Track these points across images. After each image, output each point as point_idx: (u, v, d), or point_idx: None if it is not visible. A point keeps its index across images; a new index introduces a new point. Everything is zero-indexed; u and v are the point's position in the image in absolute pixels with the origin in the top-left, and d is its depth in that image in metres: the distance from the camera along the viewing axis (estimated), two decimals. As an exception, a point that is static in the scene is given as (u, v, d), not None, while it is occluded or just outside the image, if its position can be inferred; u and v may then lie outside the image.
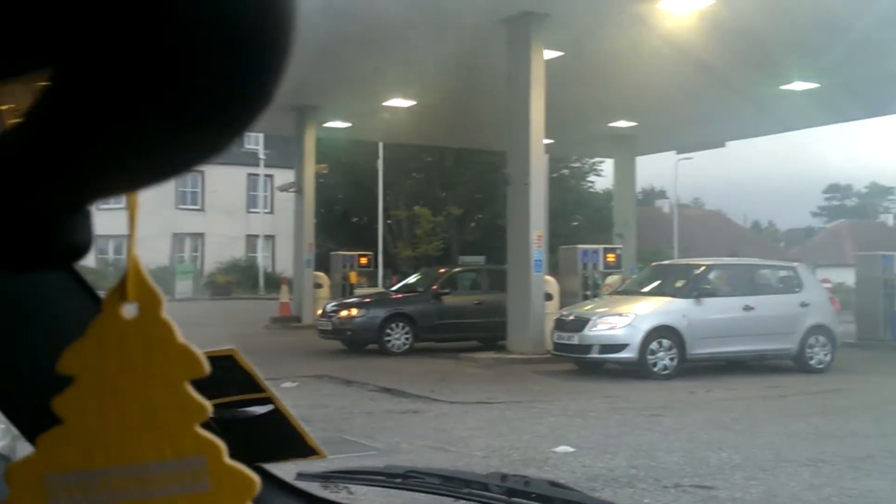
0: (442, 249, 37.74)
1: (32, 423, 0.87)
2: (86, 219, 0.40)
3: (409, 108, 21.41)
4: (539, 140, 15.18)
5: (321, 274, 23.09)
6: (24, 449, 0.86)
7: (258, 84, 0.32)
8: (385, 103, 21.04)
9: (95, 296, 0.88)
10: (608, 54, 16.37)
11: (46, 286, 0.86)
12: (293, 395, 10.40)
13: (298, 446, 1.15)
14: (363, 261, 23.99)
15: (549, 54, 15.40)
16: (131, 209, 0.44)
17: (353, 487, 1.52)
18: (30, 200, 0.34)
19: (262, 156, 41.04)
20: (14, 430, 1.00)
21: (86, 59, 0.29)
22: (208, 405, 0.44)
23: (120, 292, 0.43)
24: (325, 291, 22.41)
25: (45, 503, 0.44)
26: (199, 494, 0.44)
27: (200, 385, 0.46)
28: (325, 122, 23.38)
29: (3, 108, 0.35)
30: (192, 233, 43.11)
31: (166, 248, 40.80)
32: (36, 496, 0.44)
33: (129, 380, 0.44)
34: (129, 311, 0.44)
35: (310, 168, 22.90)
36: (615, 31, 15.21)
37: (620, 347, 13.30)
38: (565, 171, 42.77)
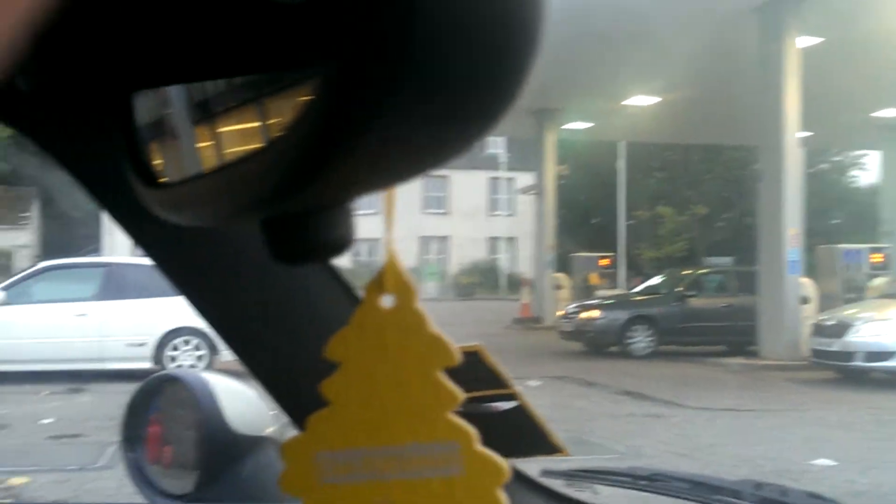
0: (686, 250, 36.55)
1: (298, 408, 0.95)
2: (346, 216, 0.43)
3: (652, 106, 20.94)
4: (793, 133, 14.31)
5: (562, 275, 23.13)
6: (292, 434, 0.93)
7: (508, 82, 0.33)
8: (626, 102, 20.70)
9: (351, 290, 0.94)
10: (876, 36, 15.08)
11: (308, 280, 0.92)
12: (535, 395, 10.50)
13: (542, 443, 1.16)
14: (604, 262, 23.75)
15: (805, 41, 14.47)
16: (388, 206, 0.47)
17: (598, 487, 1.51)
18: (295, 200, 0.38)
19: (503, 159, 41.78)
20: (282, 417, 1.09)
21: (349, 70, 0.32)
22: (460, 393, 0.46)
23: (379, 284, 0.46)
24: (565, 293, 22.41)
25: (315, 478, 0.48)
26: (452, 478, 0.46)
27: (450, 378, 0.47)
28: (565, 123, 23.39)
29: (270, 122, 0.39)
30: (438, 236, 44.67)
31: (414, 250, 42.58)
32: (307, 472, 0.48)
33: (387, 366, 0.47)
34: (386, 302, 0.47)
35: (550, 170, 23.00)
36: (886, 7, 13.98)
37: (889, 355, 12.22)
38: (824, 166, 39.96)
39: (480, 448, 0.46)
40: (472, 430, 0.46)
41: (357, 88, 0.31)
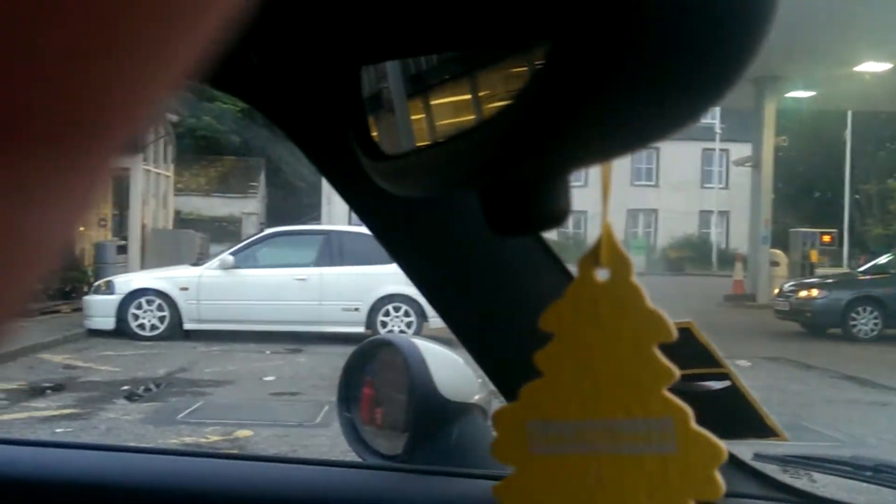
0: (921, 227, 33.69)
1: (505, 377, 0.96)
2: (564, 187, 0.43)
3: (885, 72, 19.33)
4: None
5: (778, 251, 21.97)
6: (498, 402, 0.94)
7: (740, 52, 0.32)
8: (856, 68, 19.22)
9: (561, 263, 0.94)
10: None
11: (519, 252, 0.93)
12: (748, 375, 10.02)
13: (757, 426, 1.12)
14: (826, 238, 22.32)
15: None
16: (604, 179, 0.46)
17: (815, 475, 1.43)
18: (515, 172, 0.38)
19: (717, 130, 40.06)
20: (490, 386, 1.11)
21: (576, 41, 0.31)
22: (675, 370, 0.45)
23: (593, 258, 0.46)
24: (781, 270, 21.28)
25: (525, 447, 0.49)
26: (666, 456, 0.45)
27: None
28: (786, 91, 22.04)
29: (481, 94, 0.39)
30: (646, 209, 43.61)
31: (621, 223, 41.79)
32: (518, 441, 0.49)
33: (601, 339, 0.46)
34: (601, 275, 0.46)
35: (768, 141, 21.79)
36: None
37: None
38: None
39: (697, 427, 0.45)
40: (687, 408, 0.45)
41: (583, 61, 0.31)
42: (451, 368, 1.23)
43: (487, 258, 0.92)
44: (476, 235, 0.89)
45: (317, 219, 25.61)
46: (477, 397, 1.23)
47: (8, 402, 8.02)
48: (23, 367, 9.83)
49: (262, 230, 16.07)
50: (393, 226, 0.95)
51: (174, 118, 22.89)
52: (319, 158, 0.93)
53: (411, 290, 12.06)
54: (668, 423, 0.45)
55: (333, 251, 12.75)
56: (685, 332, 1.03)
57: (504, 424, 0.50)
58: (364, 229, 1.00)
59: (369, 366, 1.33)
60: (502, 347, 0.94)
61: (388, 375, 1.29)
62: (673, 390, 0.49)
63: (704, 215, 43.23)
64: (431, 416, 1.18)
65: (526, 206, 0.40)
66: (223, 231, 26.30)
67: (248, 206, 31.86)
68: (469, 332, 0.98)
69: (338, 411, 1.34)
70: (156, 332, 12.37)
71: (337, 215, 20.45)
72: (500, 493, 0.50)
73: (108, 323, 12.34)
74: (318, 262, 12.78)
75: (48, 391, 8.53)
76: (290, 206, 30.96)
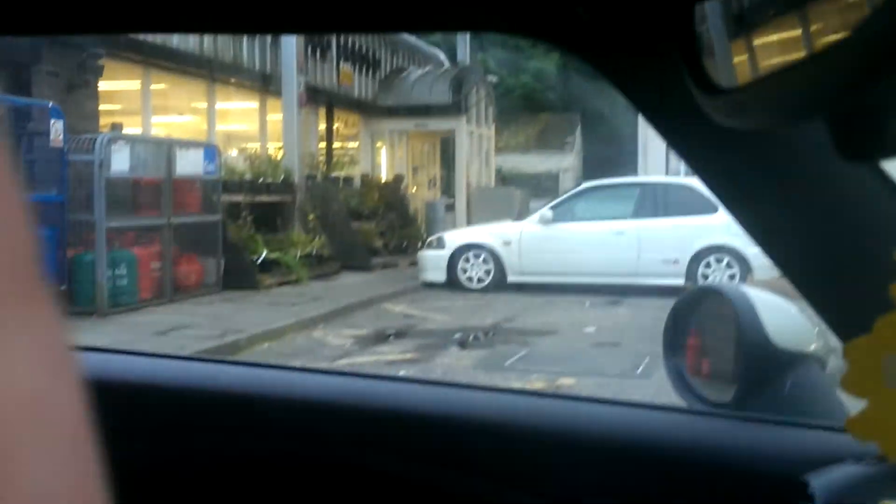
0: None
1: (846, 320, 0.91)
2: None
3: None
4: None
5: None
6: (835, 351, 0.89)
7: None
8: None
9: None
10: None
11: (859, 185, 0.87)
12: None
13: None
14: None
15: None
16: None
17: None
18: (869, 95, 0.36)
19: None
20: (828, 336, 1.05)
21: None
22: None
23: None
24: None
25: (879, 381, 0.47)
26: None
27: None
28: None
29: (812, 29, 0.38)
30: None
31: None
32: (871, 374, 0.47)
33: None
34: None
35: None
36: None
37: None
38: None
39: None
40: None
41: None
42: (785, 316, 1.19)
43: (825, 195, 0.87)
44: (812, 172, 0.85)
45: (633, 171, 25.31)
46: (813, 346, 1.18)
47: (358, 346, 8.91)
48: (369, 315, 10.85)
49: (578, 184, 16.21)
50: (722, 169, 0.94)
51: (495, 79, 23.65)
52: (646, 105, 0.94)
53: (734, 241, 11.57)
54: None
55: (651, 203, 12.57)
56: None
57: (856, 358, 0.48)
58: (681, 180, 0.99)
59: (694, 316, 1.31)
60: (843, 286, 0.89)
61: (714, 325, 1.27)
62: None
63: None
64: (763, 365, 1.14)
65: (879, 128, 0.39)
66: (541, 187, 26.91)
67: (564, 162, 32.26)
68: (806, 275, 0.94)
69: (664, 359, 1.34)
70: (482, 284, 13.03)
71: (653, 167, 20.07)
72: (854, 426, 0.48)
73: (440, 276, 13.20)
74: (636, 215, 12.67)
75: (391, 338, 9.34)
76: (605, 159, 30.92)
